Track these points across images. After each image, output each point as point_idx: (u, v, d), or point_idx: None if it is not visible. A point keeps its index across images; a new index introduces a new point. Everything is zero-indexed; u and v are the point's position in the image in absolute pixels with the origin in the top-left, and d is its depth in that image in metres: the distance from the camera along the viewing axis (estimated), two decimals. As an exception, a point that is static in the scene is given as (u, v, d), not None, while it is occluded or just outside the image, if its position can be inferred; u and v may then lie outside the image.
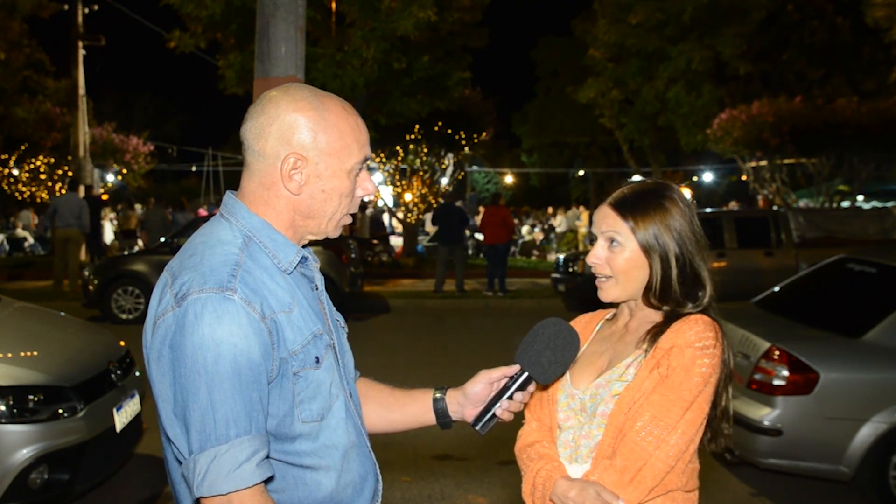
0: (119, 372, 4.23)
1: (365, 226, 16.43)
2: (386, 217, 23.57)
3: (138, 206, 21.33)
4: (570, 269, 11.52)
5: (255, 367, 1.26)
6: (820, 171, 17.66)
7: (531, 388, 1.60)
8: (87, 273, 10.32)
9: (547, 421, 1.72)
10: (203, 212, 20.99)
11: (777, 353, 4.20)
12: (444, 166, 18.82)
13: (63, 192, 16.61)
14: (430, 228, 19.99)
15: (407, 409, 1.68)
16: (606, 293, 1.67)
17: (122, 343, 4.61)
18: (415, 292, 13.04)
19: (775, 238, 10.43)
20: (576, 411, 1.66)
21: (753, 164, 18.94)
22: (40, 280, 13.97)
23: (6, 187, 18.18)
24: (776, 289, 5.51)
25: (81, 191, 13.46)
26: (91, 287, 10.06)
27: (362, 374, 1.72)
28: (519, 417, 1.65)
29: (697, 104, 21.43)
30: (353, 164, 1.43)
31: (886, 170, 18.96)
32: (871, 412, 4.05)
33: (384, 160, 18.03)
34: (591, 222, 1.71)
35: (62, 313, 5.04)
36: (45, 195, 17.93)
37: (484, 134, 18.68)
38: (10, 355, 3.81)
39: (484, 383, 1.61)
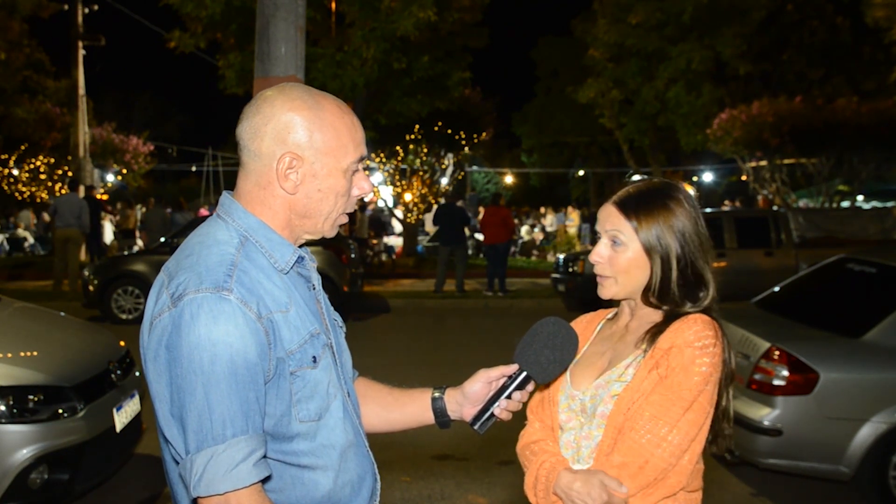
0: (119, 372, 4.23)
1: (364, 226, 16.41)
2: (395, 220, 23.51)
3: (138, 207, 21.33)
4: (570, 269, 11.52)
5: (252, 367, 1.26)
6: (820, 171, 17.64)
7: (530, 387, 1.59)
8: (87, 273, 10.33)
9: (549, 422, 1.72)
10: (204, 212, 20.97)
11: (777, 353, 4.20)
12: (444, 166, 18.82)
13: (63, 192, 16.61)
14: (430, 228, 19.98)
15: (405, 409, 1.68)
16: (605, 290, 1.67)
17: (122, 343, 4.60)
18: (415, 292, 13.03)
19: (775, 238, 10.43)
20: (576, 412, 1.66)
21: (753, 164, 18.92)
22: (40, 280, 13.97)
23: (6, 187, 18.19)
24: (776, 289, 5.51)
25: (81, 191, 13.46)
26: (91, 287, 10.07)
27: (361, 374, 1.72)
28: (518, 417, 1.64)
29: (697, 104, 21.43)
30: (349, 164, 1.42)
31: (886, 170, 18.94)
32: (871, 412, 4.05)
33: (384, 160, 18.03)
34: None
35: (62, 313, 5.04)
36: (45, 195, 17.93)
37: (484, 134, 18.68)
38: (10, 355, 3.81)
39: (482, 382, 1.61)
